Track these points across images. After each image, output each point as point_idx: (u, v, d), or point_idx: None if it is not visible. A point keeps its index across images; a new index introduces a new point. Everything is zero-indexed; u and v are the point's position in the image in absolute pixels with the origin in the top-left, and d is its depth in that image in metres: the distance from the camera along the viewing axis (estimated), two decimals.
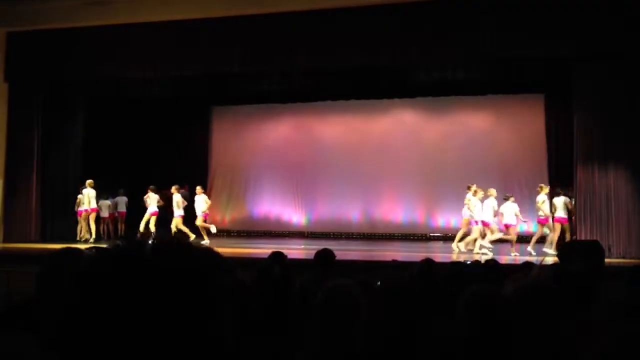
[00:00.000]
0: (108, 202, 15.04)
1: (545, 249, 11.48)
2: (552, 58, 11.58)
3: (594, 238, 9.92)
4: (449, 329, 2.11)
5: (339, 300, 1.95)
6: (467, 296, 2.02)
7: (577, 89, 11.29)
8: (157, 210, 13.45)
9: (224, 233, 16.98)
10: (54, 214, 13.77)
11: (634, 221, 10.43)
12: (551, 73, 13.12)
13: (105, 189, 14.67)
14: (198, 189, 13.36)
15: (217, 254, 0.90)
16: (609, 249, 9.95)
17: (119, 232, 14.93)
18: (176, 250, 0.85)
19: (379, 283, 4.31)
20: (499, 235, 11.49)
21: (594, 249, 3.60)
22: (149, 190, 13.56)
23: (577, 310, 1.48)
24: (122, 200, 14.99)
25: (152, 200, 13.42)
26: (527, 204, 15.12)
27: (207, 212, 13.32)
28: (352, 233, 16.08)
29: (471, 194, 11.80)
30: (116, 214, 15.18)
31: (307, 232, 16.14)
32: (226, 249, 11.27)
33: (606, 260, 4.32)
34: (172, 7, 11.88)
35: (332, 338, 1.87)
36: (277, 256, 5.30)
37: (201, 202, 13.14)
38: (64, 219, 13.89)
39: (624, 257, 10.10)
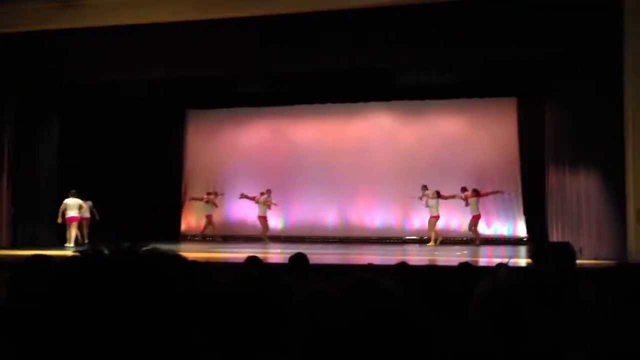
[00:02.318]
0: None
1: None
2: (524, 62, 11.76)
3: (566, 240, 10.04)
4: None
5: (314, 306, 1.95)
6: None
7: (549, 92, 11.47)
8: (77, 216, 13.67)
9: (199, 237, 16.89)
10: (26, 220, 13.54)
11: (605, 223, 10.57)
12: (523, 77, 13.35)
13: (80, 193, 14.42)
14: (71, 192, 13.60)
15: (186, 261, 0.91)
16: (580, 251, 10.06)
17: (84, 237, 14.57)
18: (143, 258, 0.85)
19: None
20: None
21: (565, 251, 3.66)
22: (70, 195, 13.60)
23: (548, 312, 1.51)
24: (87, 205, 14.41)
25: (72, 206, 13.55)
26: (501, 205, 15.34)
27: (79, 216, 13.69)
28: (328, 237, 16.07)
29: None
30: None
31: (283, 236, 16.10)
32: (202, 253, 11.19)
33: (577, 261, 4.38)
34: (144, 10, 11.77)
35: (309, 345, 1.86)
36: (253, 260, 5.29)
37: (73, 206, 13.49)
38: (35, 225, 13.67)
39: (595, 259, 10.22)
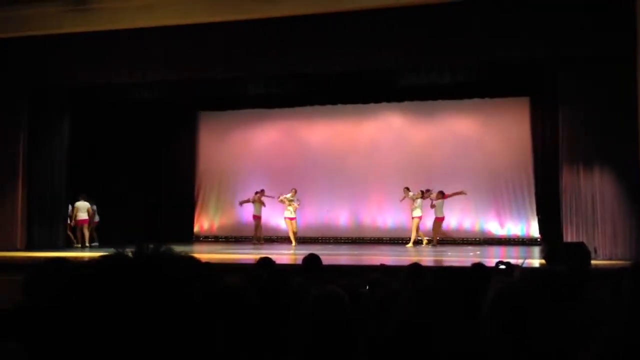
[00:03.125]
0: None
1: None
2: (537, 61, 11.68)
3: (580, 240, 9.97)
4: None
5: (326, 308, 1.95)
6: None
7: (562, 92, 11.38)
8: (87, 218, 14.35)
9: (212, 239, 16.96)
10: (41, 222, 13.65)
11: (619, 222, 10.49)
12: (536, 76, 13.26)
13: (91, 195, 14.63)
14: (81, 195, 14.34)
15: (198, 261, 0.91)
16: (595, 251, 10.01)
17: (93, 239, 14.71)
18: (163, 260, 0.86)
19: (367, 287, 4.32)
20: None
21: (580, 251, 3.63)
22: (80, 199, 14.25)
23: (560, 312, 1.50)
24: (85, 207, 14.53)
25: (82, 209, 14.29)
26: (514, 206, 15.26)
27: (86, 218, 14.36)
28: (341, 238, 16.07)
29: None
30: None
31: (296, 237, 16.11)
32: (215, 254, 11.23)
33: (592, 262, 4.34)
34: (156, 13, 11.83)
35: (319, 345, 1.87)
36: (266, 262, 5.30)
37: (81, 209, 14.30)
38: (51, 227, 13.79)
39: (610, 259, 10.16)
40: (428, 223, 14.58)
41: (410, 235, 14.30)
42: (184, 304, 0.82)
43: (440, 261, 10.62)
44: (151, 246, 0.89)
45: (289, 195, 15.18)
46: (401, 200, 14.68)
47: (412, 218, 14.34)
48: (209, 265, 4.58)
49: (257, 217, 15.51)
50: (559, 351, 1.39)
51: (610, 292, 3.14)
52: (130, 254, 0.86)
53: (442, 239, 14.53)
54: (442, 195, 14.13)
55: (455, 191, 14.30)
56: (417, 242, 14.35)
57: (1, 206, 13.15)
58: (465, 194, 14.39)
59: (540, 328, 1.43)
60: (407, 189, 14.52)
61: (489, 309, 1.51)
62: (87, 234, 14.27)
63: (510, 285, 1.56)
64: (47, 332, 0.83)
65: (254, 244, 15.14)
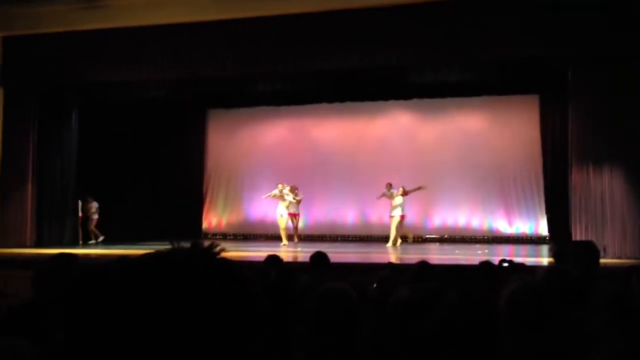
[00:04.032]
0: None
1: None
2: (548, 59, 11.63)
3: (589, 238, 9.93)
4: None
5: (334, 304, 1.96)
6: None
7: (573, 90, 11.32)
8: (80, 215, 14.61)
9: (220, 236, 16.99)
10: (51, 219, 13.74)
11: (629, 221, 10.45)
12: (546, 74, 13.18)
13: (99, 194, 14.73)
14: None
15: (221, 259, 0.91)
16: (604, 250, 9.96)
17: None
18: (179, 256, 0.86)
19: (374, 285, 4.33)
20: None
21: (588, 250, 3.62)
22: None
23: (571, 311, 1.49)
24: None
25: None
26: (523, 204, 15.20)
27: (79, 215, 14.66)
28: (349, 235, 16.06)
29: None
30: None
31: (303, 235, 16.10)
32: (223, 252, 11.22)
33: (601, 260, 4.32)
34: (165, 10, 11.89)
35: (328, 342, 1.87)
36: (274, 259, 5.31)
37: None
38: (60, 224, 13.88)
39: (619, 258, 10.11)
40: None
41: (408, 234, 14.04)
42: (205, 299, 0.82)
43: (449, 259, 10.60)
44: (207, 244, 0.90)
45: (276, 191, 14.51)
46: (387, 197, 14.00)
47: (392, 217, 13.72)
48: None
49: (292, 215, 14.84)
50: (573, 351, 1.39)
51: (619, 290, 3.13)
52: (186, 251, 0.87)
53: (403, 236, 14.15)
54: (403, 191, 13.82)
55: (414, 187, 13.90)
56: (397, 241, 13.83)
57: (11, 203, 13.24)
58: (425, 189, 14.01)
59: (556, 327, 1.43)
60: (390, 185, 13.99)
61: (505, 307, 1.51)
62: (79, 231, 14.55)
63: (529, 285, 1.55)
64: (61, 327, 0.82)
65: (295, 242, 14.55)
